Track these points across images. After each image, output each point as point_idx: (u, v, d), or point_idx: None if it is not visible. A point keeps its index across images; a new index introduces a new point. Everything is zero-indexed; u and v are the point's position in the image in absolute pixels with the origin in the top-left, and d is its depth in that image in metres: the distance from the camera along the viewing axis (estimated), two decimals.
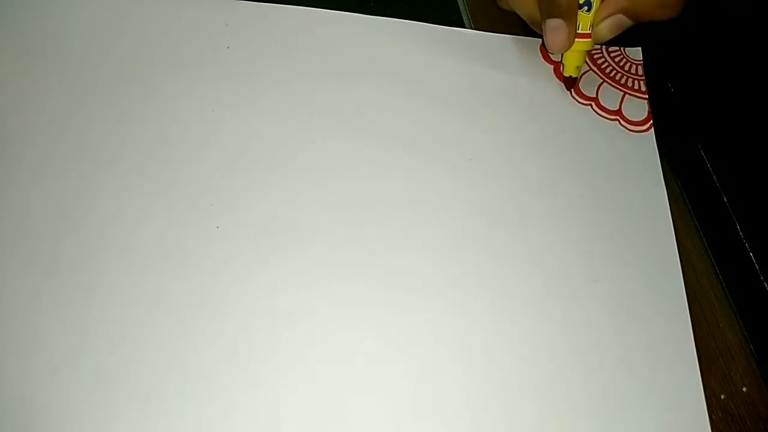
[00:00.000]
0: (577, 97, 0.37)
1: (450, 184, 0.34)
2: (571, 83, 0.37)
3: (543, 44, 0.39)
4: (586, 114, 0.37)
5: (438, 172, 0.34)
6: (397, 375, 0.29)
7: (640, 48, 0.39)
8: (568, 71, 0.37)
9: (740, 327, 0.34)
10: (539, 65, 0.39)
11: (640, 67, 0.39)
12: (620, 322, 0.32)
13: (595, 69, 0.38)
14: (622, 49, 0.39)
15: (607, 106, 0.37)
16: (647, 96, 0.38)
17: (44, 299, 0.29)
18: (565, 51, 0.35)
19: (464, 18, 0.41)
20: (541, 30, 0.35)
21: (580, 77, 0.38)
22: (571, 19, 0.34)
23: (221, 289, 0.30)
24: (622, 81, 0.38)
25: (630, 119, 0.37)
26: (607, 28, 0.34)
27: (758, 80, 0.38)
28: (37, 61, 0.35)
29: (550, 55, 0.38)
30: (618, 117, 0.37)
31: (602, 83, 0.38)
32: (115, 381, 0.28)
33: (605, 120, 0.37)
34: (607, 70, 0.38)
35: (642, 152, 0.36)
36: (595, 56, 0.39)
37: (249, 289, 0.30)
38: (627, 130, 0.37)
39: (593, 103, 0.37)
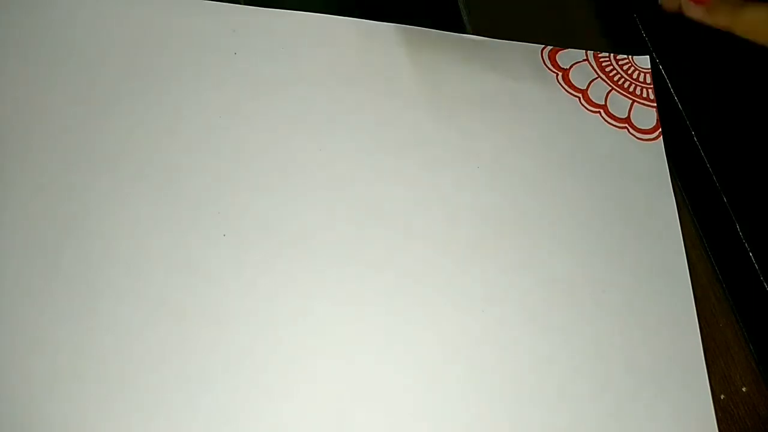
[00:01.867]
0: (585, 104, 0.38)
1: (457, 191, 0.34)
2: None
3: (545, 50, 0.39)
4: (595, 122, 0.37)
5: (445, 179, 0.35)
6: (401, 384, 0.29)
7: (648, 56, 0.40)
8: None
9: (740, 327, 0.35)
10: (545, 72, 0.39)
11: (648, 75, 0.39)
12: (629, 333, 0.32)
13: (603, 77, 0.39)
14: (630, 57, 0.40)
15: (616, 114, 0.38)
16: (656, 104, 0.38)
17: (48, 309, 0.29)
18: None
19: (464, 18, 0.41)
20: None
21: (589, 84, 0.38)
22: None
23: (228, 297, 0.30)
24: (631, 89, 0.38)
25: (639, 127, 0.37)
26: None
27: (758, 81, 0.38)
28: (42, 67, 0.35)
29: None
30: (627, 125, 0.37)
31: (611, 91, 0.38)
32: (120, 389, 0.28)
33: (614, 128, 0.37)
34: (615, 78, 0.39)
35: (651, 160, 0.36)
36: (604, 64, 0.39)
37: (256, 296, 0.30)
38: (636, 138, 0.37)
39: (602, 111, 0.38)
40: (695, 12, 0.35)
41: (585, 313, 0.32)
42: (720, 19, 0.34)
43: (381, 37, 0.39)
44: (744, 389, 0.33)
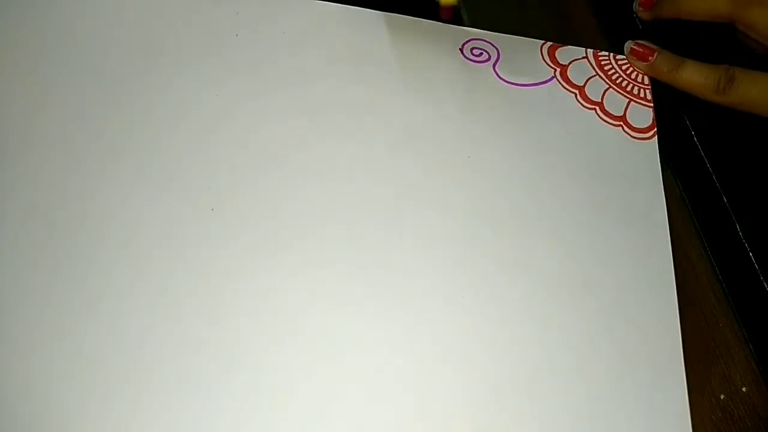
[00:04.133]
0: (581, 101, 0.38)
1: (449, 186, 0.34)
2: (448, 13, 0.37)
3: (545, 46, 0.39)
4: (590, 118, 0.37)
5: (438, 173, 0.34)
6: (399, 383, 0.29)
7: None
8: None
9: (740, 327, 0.35)
10: (542, 66, 0.39)
11: (646, 77, 0.39)
12: (613, 329, 0.32)
13: (601, 74, 0.39)
14: None
15: (611, 112, 0.38)
16: (653, 104, 0.38)
17: (48, 309, 0.29)
18: None
19: (464, 18, 0.41)
20: None
21: (587, 81, 0.38)
22: None
23: (228, 297, 0.30)
24: (629, 88, 0.38)
25: (634, 126, 0.37)
26: None
27: None
28: (42, 67, 0.35)
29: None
30: (622, 123, 0.37)
31: (608, 89, 0.38)
32: (120, 389, 0.28)
33: (609, 125, 0.37)
34: (614, 77, 0.39)
35: (644, 159, 0.36)
36: (603, 62, 0.39)
37: (255, 296, 0.30)
38: (630, 137, 0.37)
39: (597, 108, 0.38)
40: (639, 66, 0.39)
41: (571, 307, 0.32)
42: (661, 77, 0.39)
43: (380, 27, 0.39)
44: (744, 389, 0.33)
